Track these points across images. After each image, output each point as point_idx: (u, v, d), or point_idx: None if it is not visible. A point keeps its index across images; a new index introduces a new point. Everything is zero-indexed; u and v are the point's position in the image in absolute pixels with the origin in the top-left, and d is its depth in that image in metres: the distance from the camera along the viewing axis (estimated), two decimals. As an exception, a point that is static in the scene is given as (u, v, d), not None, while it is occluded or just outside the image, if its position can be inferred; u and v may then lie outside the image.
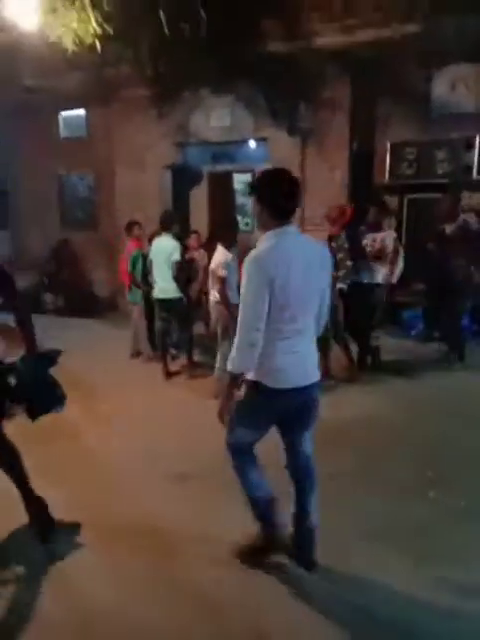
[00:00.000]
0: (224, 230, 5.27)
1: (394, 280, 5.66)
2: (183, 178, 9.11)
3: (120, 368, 6.03)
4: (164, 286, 5.59)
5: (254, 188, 2.45)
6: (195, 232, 7.15)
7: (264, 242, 2.37)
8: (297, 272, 2.32)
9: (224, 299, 4.83)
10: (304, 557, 2.64)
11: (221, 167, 9.76)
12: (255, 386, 2.41)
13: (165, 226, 5.67)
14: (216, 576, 2.60)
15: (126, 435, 4.30)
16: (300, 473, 2.63)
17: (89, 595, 2.49)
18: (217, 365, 5.04)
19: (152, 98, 8.29)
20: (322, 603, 2.41)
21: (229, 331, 4.65)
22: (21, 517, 2.96)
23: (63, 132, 10.10)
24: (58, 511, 3.18)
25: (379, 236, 5.67)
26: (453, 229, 5.59)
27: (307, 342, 2.45)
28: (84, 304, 9.36)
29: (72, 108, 9.79)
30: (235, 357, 2.32)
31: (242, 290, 2.32)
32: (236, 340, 2.31)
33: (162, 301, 5.69)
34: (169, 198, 9.08)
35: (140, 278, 6.25)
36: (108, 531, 3.00)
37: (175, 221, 5.74)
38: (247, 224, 10.30)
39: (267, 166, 9.12)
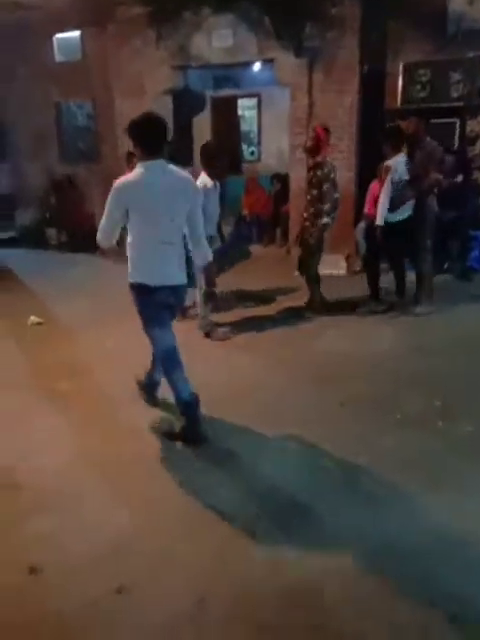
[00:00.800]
0: (209, 158, 4.96)
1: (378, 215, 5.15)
2: (185, 104, 8.74)
3: (126, 303, 5.99)
4: None
5: (130, 129, 3.02)
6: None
7: (134, 171, 3.03)
8: (156, 196, 2.98)
9: None
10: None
11: (225, 92, 9.36)
12: (139, 286, 3.11)
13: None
14: (234, 508, 2.68)
15: (130, 370, 4.32)
16: None
17: (106, 522, 2.58)
18: (200, 313, 4.99)
19: (150, 18, 7.81)
20: (336, 530, 2.48)
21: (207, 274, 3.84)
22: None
23: (58, 56, 9.63)
24: (67, 445, 3.27)
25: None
26: (421, 155, 5.28)
27: (173, 253, 3.12)
28: (88, 239, 9.19)
29: (66, 30, 9.29)
30: (99, 238, 3.15)
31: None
32: (99, 231, 3.11)
33: None
34: (170, 126, 8.71)
35: None
36: (120, 462, 3.08)
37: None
38: (252, 153, 10.00)
39: (273, 90, 8.77)
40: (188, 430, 3.18)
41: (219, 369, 4.30)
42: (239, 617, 2.03)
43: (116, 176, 7.13)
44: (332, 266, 6.86)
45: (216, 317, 5.27)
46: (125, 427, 3.47)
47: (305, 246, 5.40)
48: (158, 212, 2.99)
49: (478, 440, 3.16)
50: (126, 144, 8.37)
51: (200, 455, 3.09)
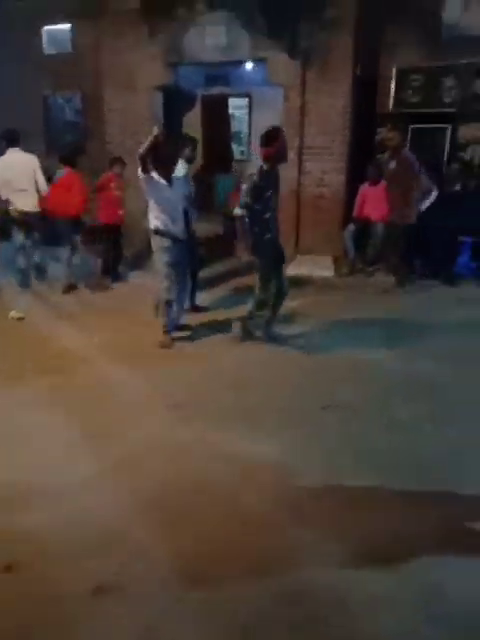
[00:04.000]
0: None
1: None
2: (176, 101, 8.63)
3: (107, 298, 5.97)
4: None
5: (2, 135, 5.76)
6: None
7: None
8: (13, 166, 5.65)
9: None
10: None
11: (216, 90, 9.28)
12: (6, 212, 5.82)
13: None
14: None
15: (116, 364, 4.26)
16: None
17: (96, 516, 2.52)
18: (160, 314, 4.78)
19: (143, 12, 7.71)
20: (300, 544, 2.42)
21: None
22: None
23: (47, 48, 9.47)
24: (56, 442, 3.20)
25: None
26: (395, 165, 5.53)
27: (26, 194, 5.76)
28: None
29: (56, 22, 9.14)
30: None
31: None
32: None
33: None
34: (161, 122, 8.59)
35: None
36: (105, 457, 2.99)
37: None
38: (242, 153, 9.93)
39: (264, 90, 8.71)
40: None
41: (192, 369, 4.24)
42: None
43: (102, 172, 7.10)
44: (320, 267, 6.83)
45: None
46: (111, 421, 3.40)
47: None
48: (15, 174, 5.65)
49: (463, 443, 3.12)
50: (115, 139, 8.36)
51: (184, 458, 3.02)
